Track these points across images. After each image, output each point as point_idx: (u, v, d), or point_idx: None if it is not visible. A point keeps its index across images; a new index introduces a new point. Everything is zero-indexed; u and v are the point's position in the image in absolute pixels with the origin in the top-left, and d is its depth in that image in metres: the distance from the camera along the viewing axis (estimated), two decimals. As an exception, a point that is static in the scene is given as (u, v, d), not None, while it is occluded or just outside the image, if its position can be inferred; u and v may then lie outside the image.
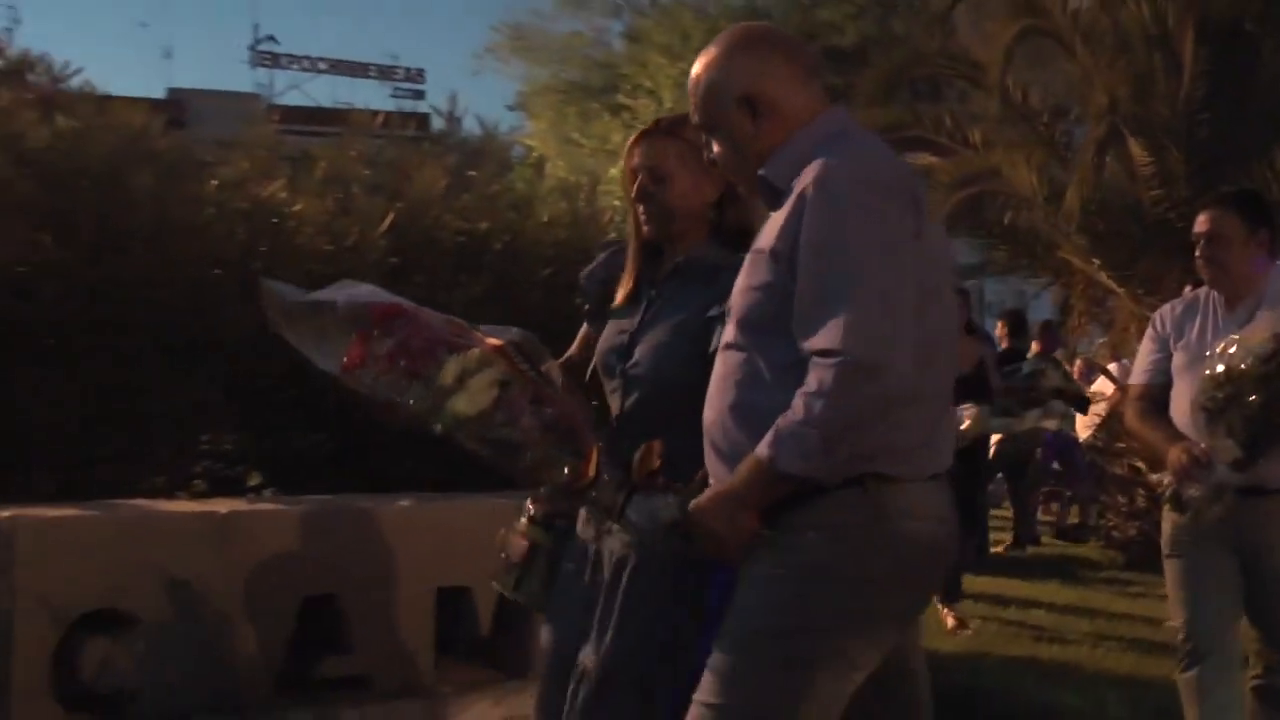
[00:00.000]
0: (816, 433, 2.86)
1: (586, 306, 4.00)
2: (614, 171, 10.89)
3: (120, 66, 69.62)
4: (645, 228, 3.73)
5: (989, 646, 8.46)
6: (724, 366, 3.14)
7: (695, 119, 3.28)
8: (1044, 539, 14.55)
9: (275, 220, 7.75)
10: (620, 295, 3.81)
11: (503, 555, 3.94)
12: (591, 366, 3.89)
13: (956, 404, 8.67)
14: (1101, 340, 16.03)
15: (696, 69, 3.24)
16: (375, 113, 9.59)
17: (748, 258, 3.15)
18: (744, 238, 3.50)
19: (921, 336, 2.99)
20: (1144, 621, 9.41)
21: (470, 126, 9.60)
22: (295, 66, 44.64)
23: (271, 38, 45.38)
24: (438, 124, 9.46)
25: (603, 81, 30.54)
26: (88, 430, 6.92)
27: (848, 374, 2.82)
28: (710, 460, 3.19)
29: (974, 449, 8.96)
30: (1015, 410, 9.92)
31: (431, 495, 6.14)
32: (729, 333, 3.15)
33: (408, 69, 44.76)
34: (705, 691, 3.03)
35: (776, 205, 3.10)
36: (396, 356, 3.30)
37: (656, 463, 3.20)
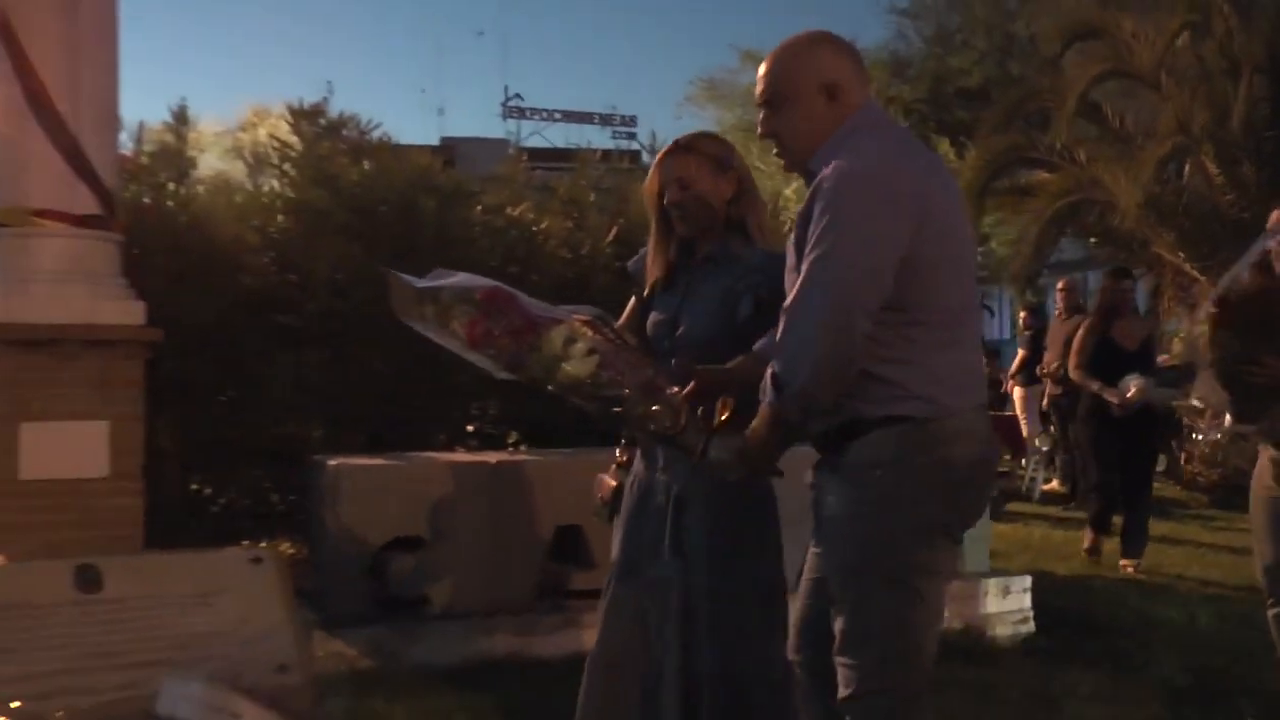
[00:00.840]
0: (770, 374, 2.90)
1: (635, 289, 3.96)
2: (788, 191, 10.77)
3: (406, 122, 71.64)
4: (680, 227, 3.70)
5: (1099, 570, 8.28)
6: None
7: (766, 95, 3.10)
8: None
9: (526, 235, 7.88)
10: (662, 281, 3.78)
11: (599, 496, 4.00)
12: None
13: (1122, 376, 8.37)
14: (1188, 319, 15.63)
15: (780, 55, 3.11)
16: (599, 151, 9.65)
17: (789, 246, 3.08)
18: (745, 228, 3.64)
19: (942, 302, 2.94)
20: (1226, 550, 9.15)
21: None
22: (536, 117, 44.86)
23: (518, 95, 45.62)
24: (648, 159, 9.51)
25: (778, 121, 30.38)
26: (390, 400, 7.11)
27: (785, 343, 2.87)
28: None
29: (1145, 414, 8.56)
30: (1179, 383, 9.57)
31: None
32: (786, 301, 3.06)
33: (623, 116, 44.63)
34: (838, 620, 3.00)
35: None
36: (508, 334, 3.23)
37: (724, 411, 3.21)
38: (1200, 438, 4.96)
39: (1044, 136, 15.46)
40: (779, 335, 2.92)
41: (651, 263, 3.83)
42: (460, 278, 3.50)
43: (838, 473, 3.00)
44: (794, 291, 2.88)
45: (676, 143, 3.77)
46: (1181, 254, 13.82)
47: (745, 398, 3.18)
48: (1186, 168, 14.35)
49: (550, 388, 3.31)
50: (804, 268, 2.86)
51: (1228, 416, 4.57)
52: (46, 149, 4.93)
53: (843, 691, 2.99)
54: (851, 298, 2.82)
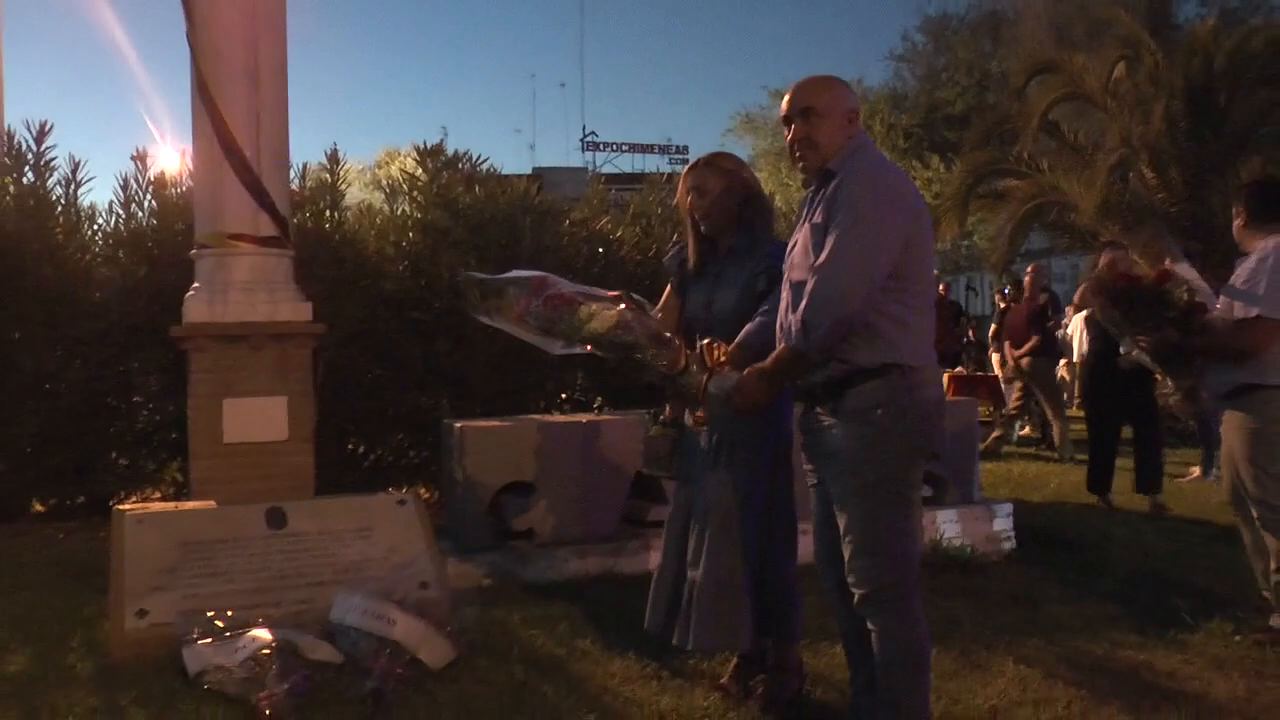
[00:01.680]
0: (798, 320, 2.99)
1: (672, 278, 4.04)
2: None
3: (505, 156, 71.73)
4: (703, 226, 3.81)
5: (1067, 496, 8.22)
6: (792, 295, 3.14)
7: (802, 108, 3.15)
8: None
9: (605, 243, 7.94)
10: (695, 270, 3.88)
11: (649, 450, 4.03)
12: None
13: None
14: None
15: (818, 83, 3.19)
16: (664, 174, 9.70)
17: (808, 229, 3.12)
18: (754, 224, 3.76)
19: (925, 276, 3.08)
20: (1168, 477, 9.06)
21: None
22: (608, 149, 44.80)
23: (593, 132, 45.63)
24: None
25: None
26: (501, 375, 7.20)
27: (816, 291, 2.94)
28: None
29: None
30: None
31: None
32: (798, 274, 3.12)
33: (677, 145, 44.54)
34: (850, 533, 3.07)
35: (826, 185, 3.08)
36: (544, 304, 3.34)
37: (718, 355, 3.28)
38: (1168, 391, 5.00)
39: (1013, 151, 15.39)
40: (811, 287, 2.96)
41: (688, 256, 3.92)
42: (521, 270, 3.60)
43: (839, 415, 3.08)
44: (827, 254, 2.95)
45: (697, 160, 3.89)
46: (1125, 242, 13.70)
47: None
48: (1131, 174, 14.26)
49: (577, 342, 3.39)
50: (834, 237, 2.94)
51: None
52: (237, 186, 5.03)
53: (859, 592, 3.07)
54: (874, 263, 2.94)
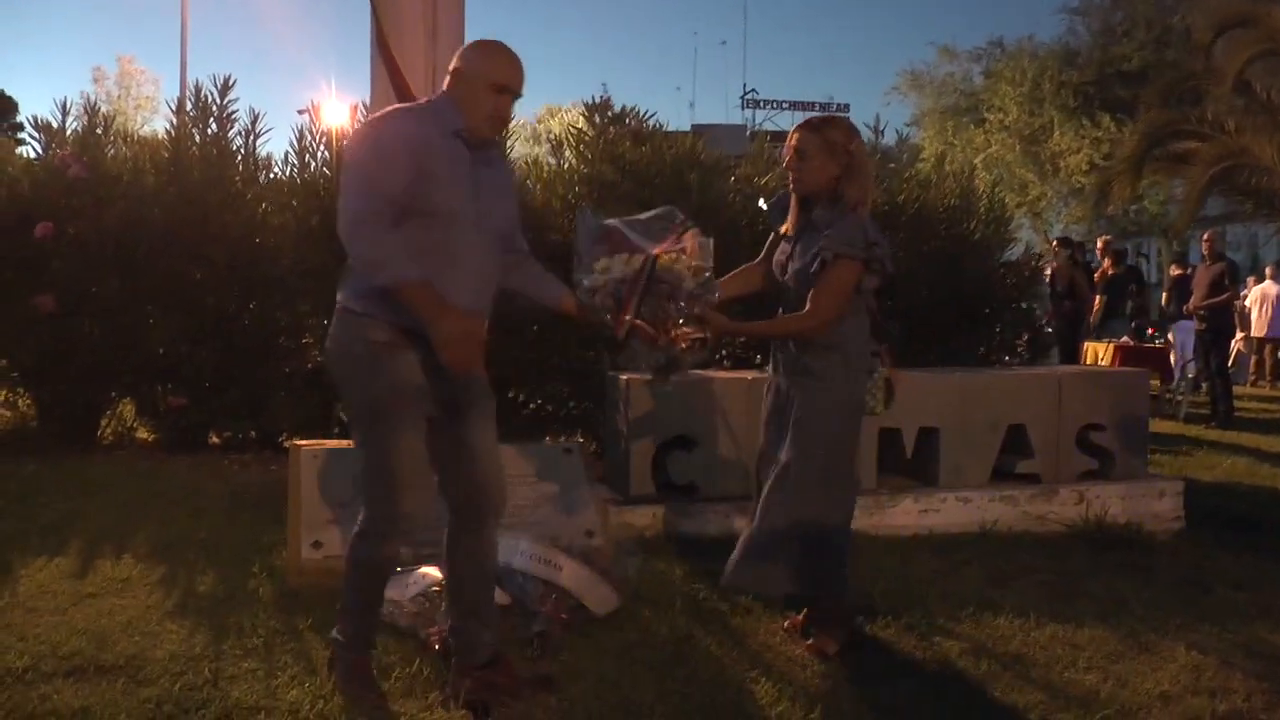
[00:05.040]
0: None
1: (773, 224, 4.05)
2: (977, 161, 10.47)
3: (665, 113, 71.75)
4: (794, 185, 3.82)
5: (1240, 478, 7.89)
6: None
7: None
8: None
9: (768, 200, 7.90)
10: (787, 228, 3.93)
11: None
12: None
13: None
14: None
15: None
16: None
17: None
18: (844, 199, 3.72)
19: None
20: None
21: (888, 137, 9.52)
22: (768, 106, 44.40)
23: (754, 90, 45.53)
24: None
25: (968, 105, 29.55)
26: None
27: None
28: None
29: None
30: None
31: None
32: None
33: (839, 104, 43.88)
34: None
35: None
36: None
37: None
38: None
39: (1195, 112, 14.65)
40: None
41: (788, 212, 3.96)
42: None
43: None
44: None
45: (809, 121, 3.89)
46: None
47: None
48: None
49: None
50: None
51: None
52: (415, 141, 5.18)
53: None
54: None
